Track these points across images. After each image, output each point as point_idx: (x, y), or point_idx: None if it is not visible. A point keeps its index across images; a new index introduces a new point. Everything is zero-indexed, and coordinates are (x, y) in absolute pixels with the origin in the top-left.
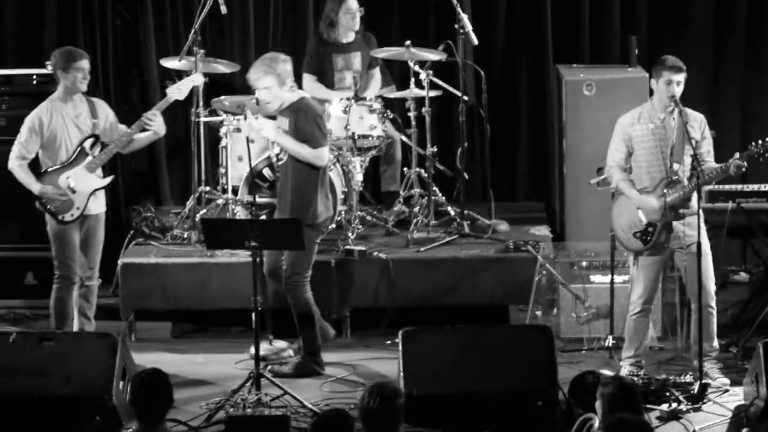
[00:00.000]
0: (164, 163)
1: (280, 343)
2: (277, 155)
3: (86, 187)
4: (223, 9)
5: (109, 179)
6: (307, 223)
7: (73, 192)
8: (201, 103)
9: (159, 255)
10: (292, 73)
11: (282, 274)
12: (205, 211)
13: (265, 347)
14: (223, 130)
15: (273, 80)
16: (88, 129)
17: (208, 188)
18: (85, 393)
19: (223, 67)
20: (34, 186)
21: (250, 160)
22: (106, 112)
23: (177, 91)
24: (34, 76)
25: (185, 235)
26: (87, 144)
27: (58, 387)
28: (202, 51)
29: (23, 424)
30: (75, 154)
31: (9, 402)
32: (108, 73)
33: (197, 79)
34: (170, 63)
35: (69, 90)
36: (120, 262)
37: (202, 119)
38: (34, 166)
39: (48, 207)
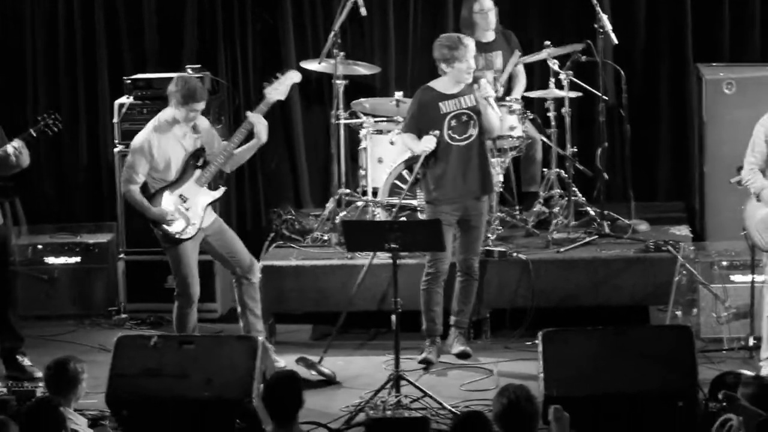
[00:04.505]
0: (304, 166)
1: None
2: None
3: (199, 203)
4: (363, 11)
5: (221, 191)
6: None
7: (187, 209)
8: (341, 105)
9: (299, 257)
10: None
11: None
12: (345, 213)
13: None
14: (363, 132)
15: None
16: (192, 146)
17: (348, 191)
18: (225, 396)
19: (363, 69)
20: (150, 211)
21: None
22: (204, 125)
23: (276, 92)
24: None
25: (325, 238)
26: (194, 160)
27: (199, 390)
28: (341, 53)
29: (164, 427)
30: (183, 171)
31: (150, 404)
32: (248, 76)
33: (295, 77)
34: (310, 65)
35: (177, 119)
36: (260, 264)
37: (342, 121)
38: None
39: (163, 228)
